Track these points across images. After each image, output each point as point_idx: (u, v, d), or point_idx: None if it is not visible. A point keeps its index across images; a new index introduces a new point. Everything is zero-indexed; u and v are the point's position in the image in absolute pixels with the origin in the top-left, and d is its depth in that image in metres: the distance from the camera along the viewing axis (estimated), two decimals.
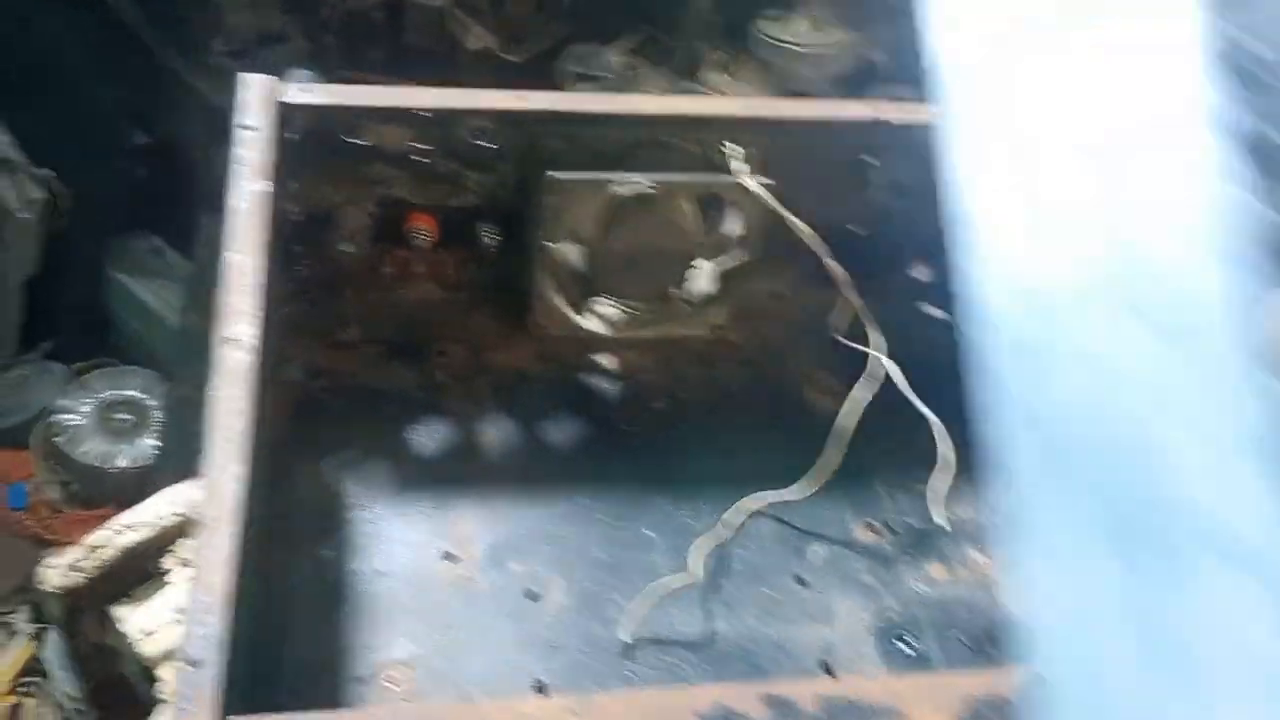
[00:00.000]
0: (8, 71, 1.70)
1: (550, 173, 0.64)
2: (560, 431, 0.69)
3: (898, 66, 1.59)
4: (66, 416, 1.61)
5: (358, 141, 0.63)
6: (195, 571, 0.41)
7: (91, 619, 0.58)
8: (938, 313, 0.79)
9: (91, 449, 1.59)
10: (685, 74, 1.60)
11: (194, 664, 0.39)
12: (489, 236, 0.69)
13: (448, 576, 0.61)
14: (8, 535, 1.54)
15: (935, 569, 0.66)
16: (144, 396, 1.64)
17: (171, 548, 0.62)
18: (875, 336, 0.65)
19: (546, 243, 0.64)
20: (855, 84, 1.58)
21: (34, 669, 1.40)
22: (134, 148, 1.72)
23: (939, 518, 0.65)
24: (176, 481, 0.62)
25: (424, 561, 0.61)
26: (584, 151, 0.65)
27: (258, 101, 0.58)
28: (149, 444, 1.58)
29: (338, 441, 0.65)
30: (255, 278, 0.50)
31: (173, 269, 1.76)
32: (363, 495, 0.64)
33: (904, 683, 0.42)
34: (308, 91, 0.60)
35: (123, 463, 1.58)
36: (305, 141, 0.62)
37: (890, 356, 0.67)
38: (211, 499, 0.43)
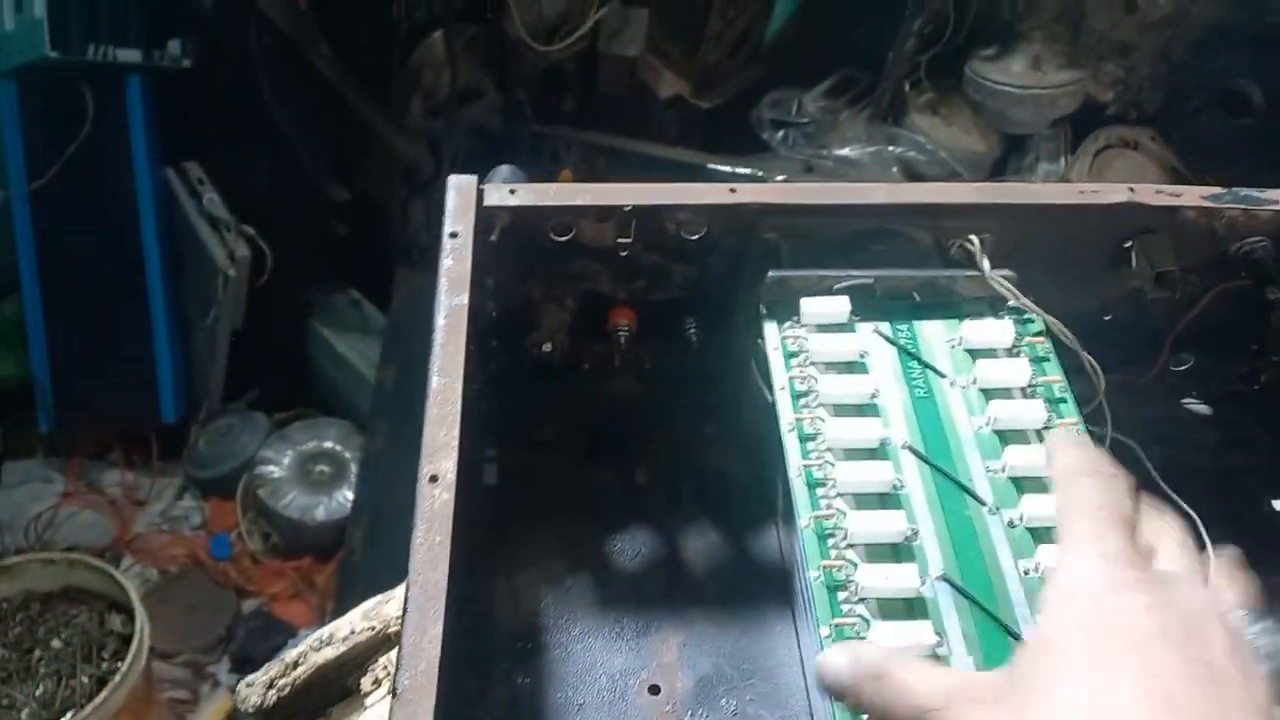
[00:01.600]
0: (215, 130, 1.80)
1: (772, 272, 0.58)
2: (770, 541, 0.63)
3: (1128, 104, 1.47)
4: (269, 468, 1.67)
5: (559, 239, 0.59)
6: None
7: None
8: (1201, 408, 0.70)
9: (293, 501, 1.64)
10: (889, 118, 1.52)
11: None
12: (693, 331, 0.64)
13: (654, 713, 0.56)
14: (213, 585, 1.60)
15: None
16: (340, 449, 1.68)
17: (369, 664, 0.60)
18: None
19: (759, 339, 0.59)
20: (1079, 124, 1.47)
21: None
22: (334, 204, 1.78)
23: None
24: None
25: (627, 694, 0.56)
26: (802, 242, 0.59)
27: (461, 205, 0.55)
28: (345, 496, 1.62)
29: (535, 552, 0.62)
30: (458, 408, 0.47)
31: (369, 322, 1.81)
32: (563, 614, 0.60)
33: None
34: (510, 193, 0.57)
35: (321, 516, 1.63)
36: (504, 240, 0.58)
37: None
38: (408, 664, 0.39)
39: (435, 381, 0.49)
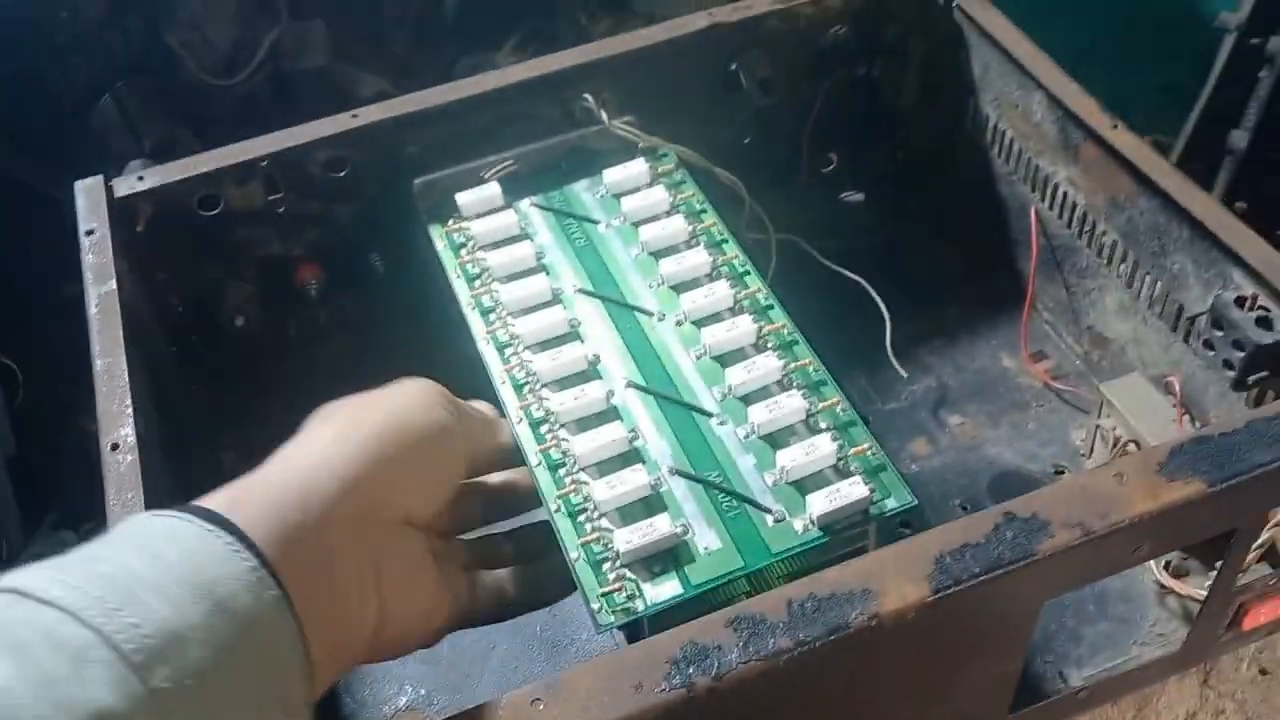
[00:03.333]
0: None
1: (418, 180, 0.62)
2: None
3: None
4: None
5: (208, 213, 0.61)
6: None
7: None
8: (856, 196, 0.77)
9: None
10: None
11: None
12: (379, 264, 0.67)
13: None
14: None
15: (918, 445, 0.64)
16: None
17: None
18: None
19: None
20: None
21: None
22: (64, 299, 1.70)
23: (899, 368, 0.65)
24: None
25: None
26: (444, 148, 0.63)
27: (90, 204, 0.56)
28: None
29: None
30: (124, 379, 0.49)
31: None
32: None
33: (870, 561, 0.40)
34: (139, 179, 0.58)
35: None
36: (154, 229, 0.60)
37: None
38: None
39: (99, 365, 0.50)
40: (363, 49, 1.68)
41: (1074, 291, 0.65)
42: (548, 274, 0.57)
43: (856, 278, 0.65)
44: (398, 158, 0.62)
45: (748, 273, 0.55)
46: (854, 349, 0.65)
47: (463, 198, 0.60)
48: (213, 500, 0.36)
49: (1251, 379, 0.51)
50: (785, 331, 0.53)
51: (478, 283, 0.57)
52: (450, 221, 0.60)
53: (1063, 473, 0.62)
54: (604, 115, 0.62)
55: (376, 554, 0.39)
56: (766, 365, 0.51)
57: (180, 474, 0.61)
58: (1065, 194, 0.62)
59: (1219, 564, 0.48)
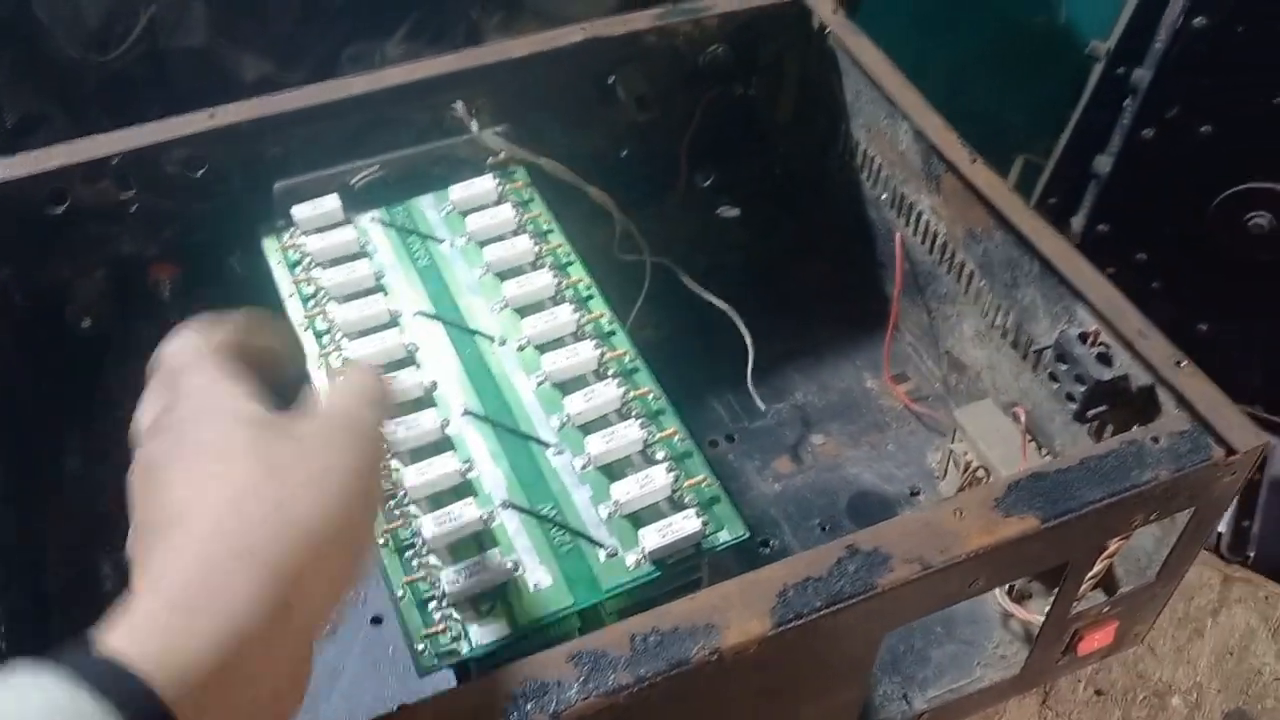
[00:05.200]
0: None
1: (279, 183, 0.60)
2: None
3: None
4: None
5: (56, 210, 0.58)
6: None
7: None
8: (732, 212, 0.78)
9: None
10: (475, 44, 1.55)
11: None
12: (236, 265, 0.65)
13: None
14: None
15: (782, 463, 0.65)
16: None
17: None
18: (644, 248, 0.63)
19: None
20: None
21: None
22: None
23: (757, 399, 0.65)
24: None
25: None
26: (309, 151, 0.61)
27: None
28: None
29: None
30: None
31: None
32: None
33: (714, 594, 0.40)
34: None
35: None
36: None
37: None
38: None
39: None
40: (246, 29, 1.62)
41: (935, 316, 0.67)
42: (386, 294, 0.55)
43: (724, 306, 0.66)
44: (259, 159, 0.60)
45: (591, 297, 0.55)
46: (724, 369, 0.66)
47: (300, 211, 0.58)
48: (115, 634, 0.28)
49: (1091, 413, 0.53)
50: (627, 359, 0.53)
51: (312, 303, 0.55)
52: (287, 236, 0.58)
53: (918, 494, 0.64)
54: (474, 124, 0.61)
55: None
56: (606, 394, 0.50)
57: (22, 476, 0.59)
58: (928, 222, 0.64)
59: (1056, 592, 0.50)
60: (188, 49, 1.60)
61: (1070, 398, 0.54)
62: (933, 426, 0.67)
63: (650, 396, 0.51)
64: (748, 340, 0.65)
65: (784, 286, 0.74)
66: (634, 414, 0.50)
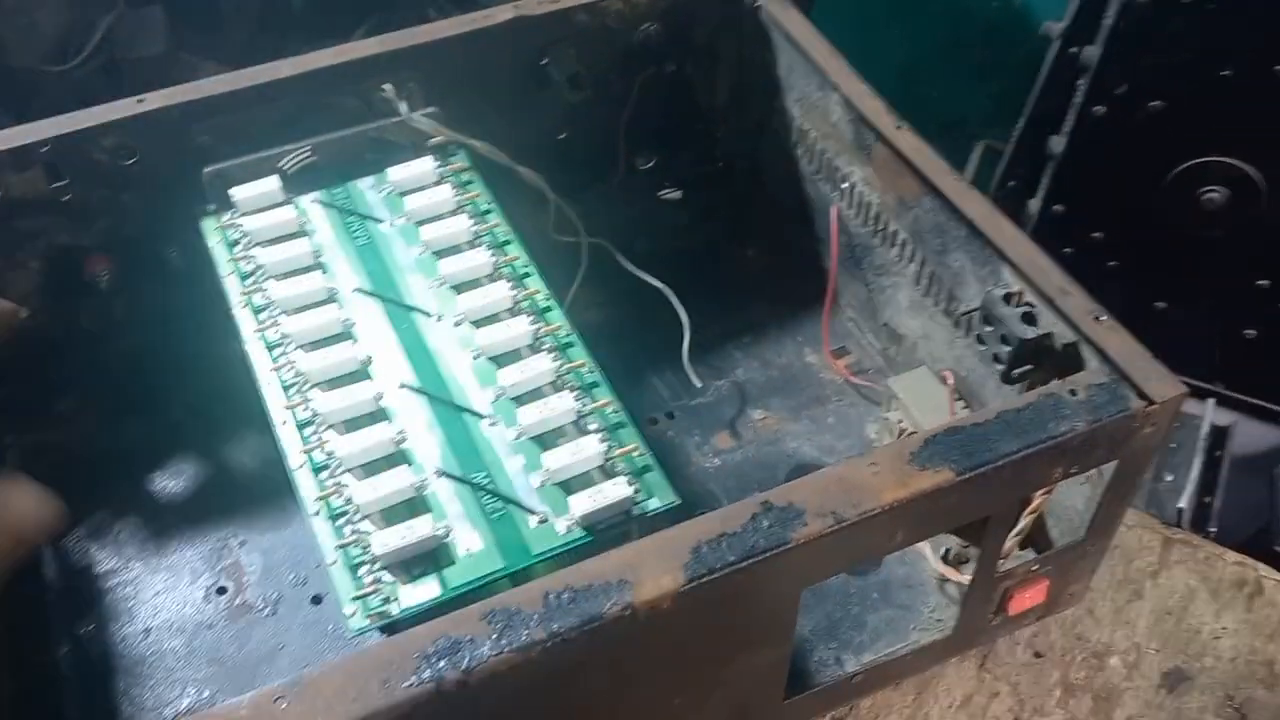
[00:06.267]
0: None
1: (207, 168, 0.60)
2: None
3: None
4: None
5: None
6: None
7: None
8: (673, 194, 0.78)
9: None
10: None
11: None
12: (175, 255, 0.64)
13: (224, 609, 0.57)
14: None
15: (721, 439, 0.65)
16: None
17: None
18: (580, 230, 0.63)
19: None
20: None
21: None
22: None
23: (693, 376, 0.66)
24: None
25: (193, 604, 0.57)
26: (238, 137, 0.61)
27: None
28: None
29: (80, 514, 0.61)
30: None
31: None
32: (117, 559, 0.59)
33: (630, 551, 0.40)
34: None
35: None
36: None
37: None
38: None
39: None
40: (203, 38, 1.63)
41: (872, 289, 0.67)
42: (324, 272, 0.56)
43: (660, 285, 0.66)
44: (188, 146, 0.60)
45: (528, 274, 0.55)
46: (663, 348, 0.66)
47: (239, 192, 0.58)
48: None
49: (1017, 372, 0.53)
50: (562, 332, 0.53)
51: (249, 280, 0.55)
52: (226, 217, 0.59)
53: None
54: (404, 107, 0.61)
55: None
56: (539, 366, 0.51)
57: None
58: (861, 193, 0.64)
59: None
60: (146, 58, 1.60)
61: (997, 359, 0.54)
62: (872, 398, 0.67)
63: (584, 370, 0.51)
64: (683, 317, 0.65)
65: (724, 267, 0.74)
66: (568, 386, 0.50)
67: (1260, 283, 0.84)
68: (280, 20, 1.73)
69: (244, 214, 0.58)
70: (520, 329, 0.52)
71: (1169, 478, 0.78)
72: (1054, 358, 0.52)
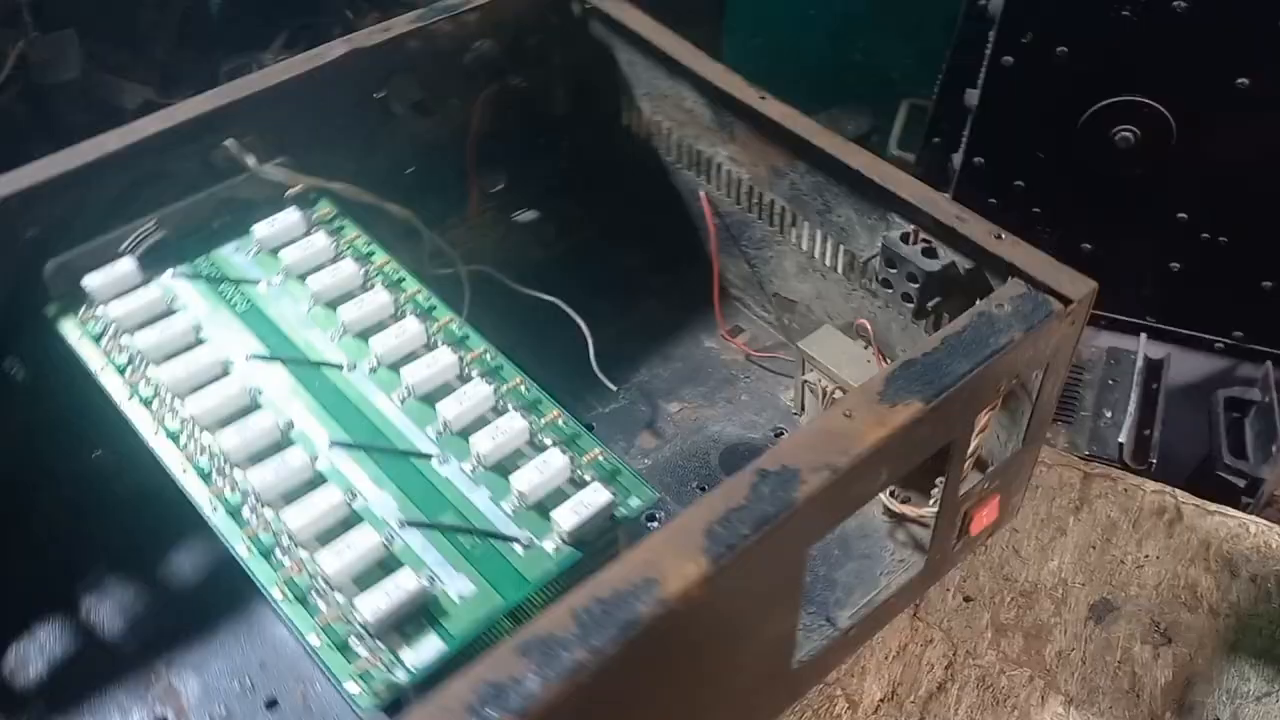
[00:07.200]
0: None
1: (50, 261, 0.54)
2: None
3: None
4: None
5: None
6: None
7: None
8: (530, 215, 0.76)
9: None
10: None
11: None
12: (18, 371, 0.58)
13: None
14: None
15: (645, 439, 0.64)
16: None
17: None
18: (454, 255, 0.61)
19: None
20: None
21: None
22: None
23: (607, 382, 0.65)
24: None
25: None
26: (72, 224, 0.55)
27: None
28: None
29: None
30: None
31: None
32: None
33: (642, 550, 0.39)
34: None
35: None
36: None
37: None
38: None
39: None
40: (122, 57, 1.52)
41: (755, 263, 0.68)
42: (210, 346, 0.51)
43: (551, 298, 0.65)
44: (17, 243, 0.54)
45: (434, 306, 0.53)
46: (564, 363, 0.64)
47: (91, 281, 0.53)
48: None
49: (930, 305, 0.55)
50: (488, 357, 0.51)
51: (130, 370, 0.51)
52: (83, 310, 0.53)
53: (782, 434, 0.65)
54: (251, 160, 0.58)
55: None
56: (478, 393, 0.48)
57: None
58: (729, 172, 0.65)
59: (940, 480, 0.52)
60: (64, 82, 1.47)
61: (906, 298, 0.56)
62: (777, 369, 0.68)
63: (522, 387, 0.49)
64: (583, 326, 0.64)
65: (602, 273, 0.74)
66: (511, 407, 0.48)
67: (1180, 215, 0.85)
68: (200, 33, 1.63)
69: (102, 302, 0.53)
70: (446, 360, 0.50)
71: (1108, 414, 0.80)
72: (961, 283, 0.54)
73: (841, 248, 0.60)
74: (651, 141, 0.69)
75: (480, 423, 0.48)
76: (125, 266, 0.53)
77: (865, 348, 0.61)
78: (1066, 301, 0.48)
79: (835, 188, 0.58)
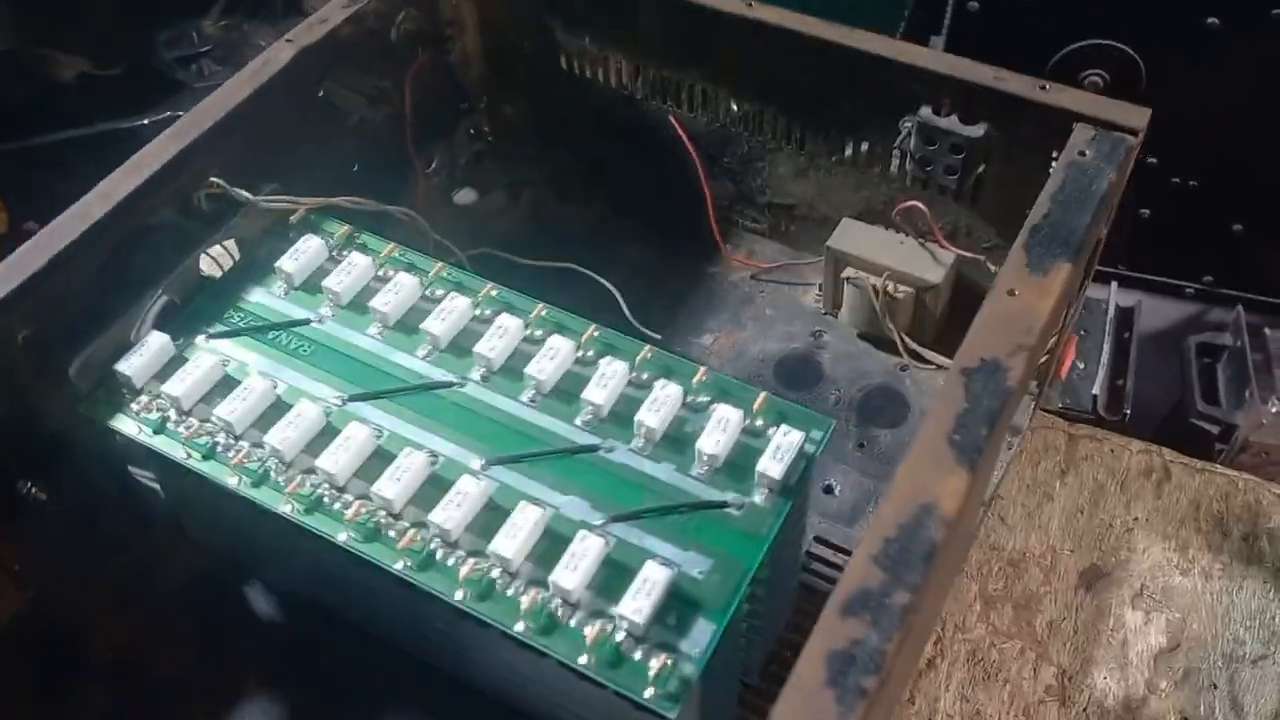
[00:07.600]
0: None
1: (72, 363, 0.47)
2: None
3: None
4: None
5: None
6: None
7: None
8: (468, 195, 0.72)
9: None
10: (293, 11, 1.39)
11: None
12: (36, 491, 0.50)
13: None
14: None
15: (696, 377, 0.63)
16: None
17: None
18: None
19: None
20: None
21: None
22: None
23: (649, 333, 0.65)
24: None
25: None
26: (71, 311, 0.48)
27: None
28: None
29: None
30: None
31: None
32: None
33: (901, 477, 0.38)
34: None
35: None
36: None
37: None
38: None
39: None
40: (57, 28, 1.35)
41: (740, 179, 0.67)
42: (298, 401, 0.46)
43: (568, 264, 0.62)
44: (9, 351, 0.46)
45: (510, 301, 0.49)
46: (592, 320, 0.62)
47: (125, 366, 0.47)
48: None
49: (976, 174, 0.55)
50: (596, 334, 0.48)
51: (223, 449, 0.45)
52: (128, 397, 0.46)
53: (821, 334, 0.65)
54: (244, 192, 0.51)
55: None
56: (615, 370, 0.46)
57: None
58: (703, 90, 0.63)
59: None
60: None
61: (950, 170, 0.56)
62: (788, 280, 0.68)
63: (650, 356, 0.47)
64: (605, 284, 0.62)
65: (585, 229, 0.71)
66: (648, 376, 0.46)
67: (1150, 160, 0.82)
68: (141, 5, 1.45)
69: (149, 386, 0.46)
70: (562, 348, 0.46)
71: (1081, 365, 0.77)
72: (999, 147, 0.55)
73: (846, 139, 0.60)
74: (598, 80, 0.66)
75: (631, 399, 0.45)
76: (157, 342, 0.47)
77: (894, 232, 0.61)
78: (1134, 133, 0.50)
79: (842, 82, 0.57)
